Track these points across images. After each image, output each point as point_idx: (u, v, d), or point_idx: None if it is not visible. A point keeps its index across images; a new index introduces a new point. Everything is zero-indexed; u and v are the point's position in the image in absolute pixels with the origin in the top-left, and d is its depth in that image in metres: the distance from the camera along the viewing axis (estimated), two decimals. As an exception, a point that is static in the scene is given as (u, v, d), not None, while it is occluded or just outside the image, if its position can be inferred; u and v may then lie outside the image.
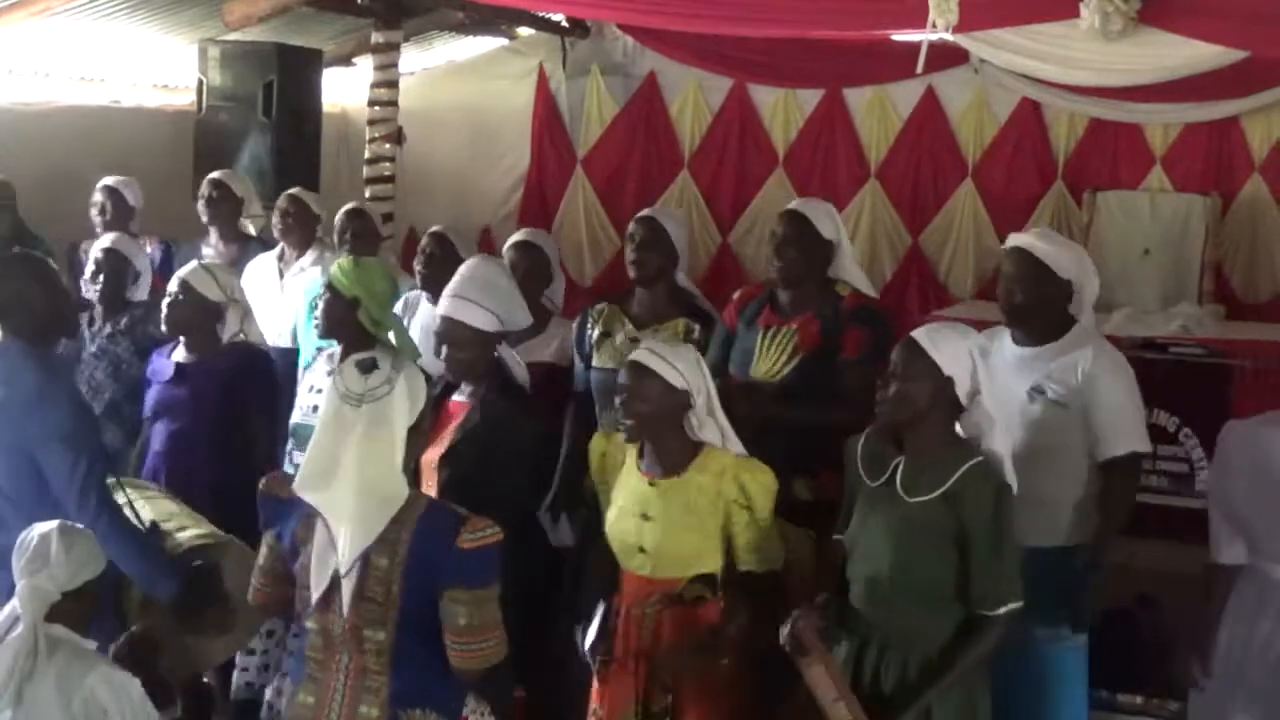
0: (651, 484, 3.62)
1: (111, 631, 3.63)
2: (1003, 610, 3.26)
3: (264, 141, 7.01)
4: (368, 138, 7.15)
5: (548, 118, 8.26)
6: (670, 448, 3.61)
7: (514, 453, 3.86)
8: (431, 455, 3.91)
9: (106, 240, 5.22)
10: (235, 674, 4.66)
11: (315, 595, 2.98)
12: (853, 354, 4.24)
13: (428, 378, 4.05)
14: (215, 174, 6.27)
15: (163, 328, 4.68)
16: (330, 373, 4.42)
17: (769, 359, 4.42)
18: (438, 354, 4.03)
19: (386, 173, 7.08)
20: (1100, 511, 3.95)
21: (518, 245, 5.26)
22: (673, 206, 7.99)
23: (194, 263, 4.75)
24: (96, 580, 3.30)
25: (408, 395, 3.00)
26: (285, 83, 7.00)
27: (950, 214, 7.70)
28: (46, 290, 3.98)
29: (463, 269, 4.23)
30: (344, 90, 8.23)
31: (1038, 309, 3.98)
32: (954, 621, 3.31)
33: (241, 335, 4.65)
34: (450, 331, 3.97)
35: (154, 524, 3.92)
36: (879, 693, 3.34)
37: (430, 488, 3.84)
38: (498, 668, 3.07)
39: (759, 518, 3.56)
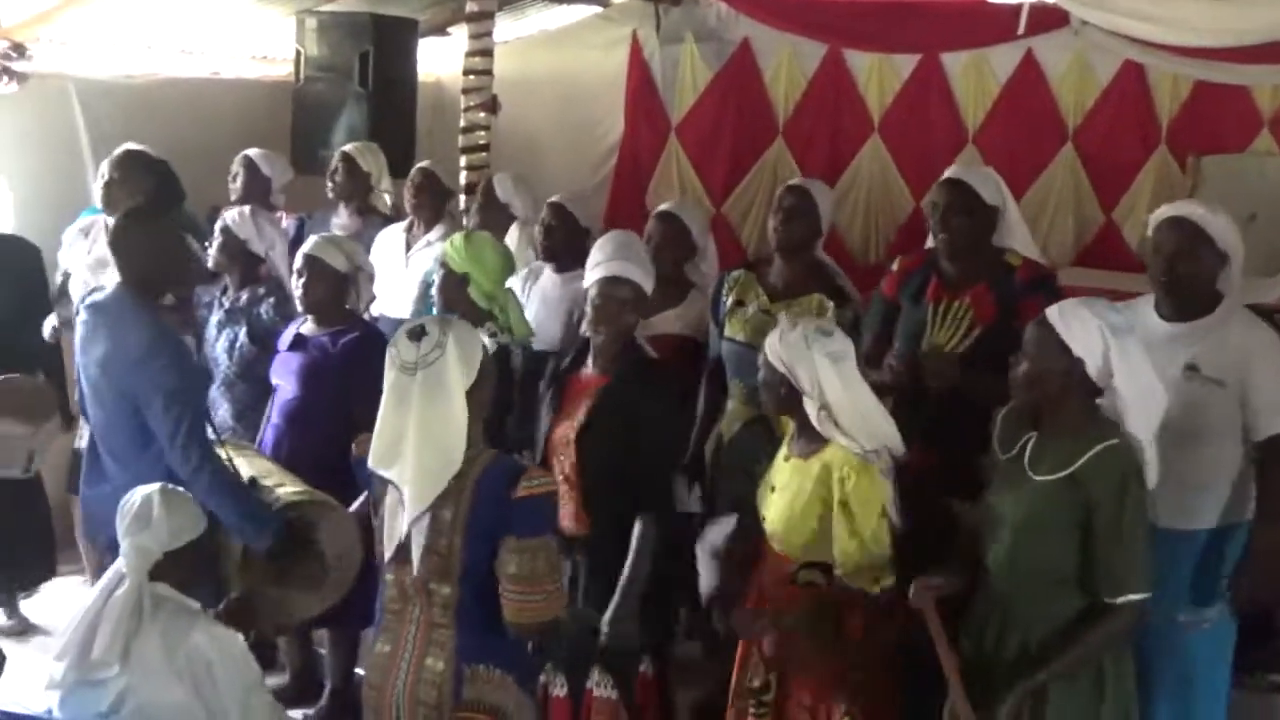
0: (787, 458, 3.65)
1: (211, 597, 3.71)
2: (1122, 600, 3.17)
3: (360, 112, 7.07)
4: (462, 106, 7.17)
5: (641, 85, 8.21)
6: (806, 429, 3.60)
7: (654, 419, 3.86)
8: (564, 432, 3.91)
9: (227, 217, 5.30)
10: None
11: (389, 551, 3.09)
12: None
13: (547, 353, 4.08)
14: (347, 147, 6.39)
15: (299, 308, 4.77)
16: None
17: (945, 333, 4.31)
18: (591, 322, 4.00)
19: (481, 141, 7.09)
20: (1263, 490, 3.83)
21: (657, 215, 5.32)
22: (766, 175, 7.97)
23: (314, 237, 4.82)
24: (198, 541, 3.38)
25: (461, 357, 3.04)
26: (381, 53, 7.05)
27: (1049, 180, 7.53)
28: (164, 248, 4.09)
29: (611, 236, 4.22)
30: (439, 60, 8.27)
31: (1197, 283, 3.85)
32: (1075, 606, 3.23)
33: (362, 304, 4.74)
34: (614, 291, 3.94)
35: (253, 479, 4.01)
36: (1000, 664, 3.30)
37: (561, 463, 3.87)
38: (547, 630, 3.11)
39: (858, 524, 3.48)
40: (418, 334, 3.07)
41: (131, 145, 5.80)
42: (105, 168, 5.67)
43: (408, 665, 3.11)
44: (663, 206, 5.41)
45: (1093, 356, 3.18)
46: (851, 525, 3.48)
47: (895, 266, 4.68)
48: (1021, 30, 7.28)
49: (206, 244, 5.32)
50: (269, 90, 7.65)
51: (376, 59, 7.02)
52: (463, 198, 6.95)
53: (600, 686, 3.49)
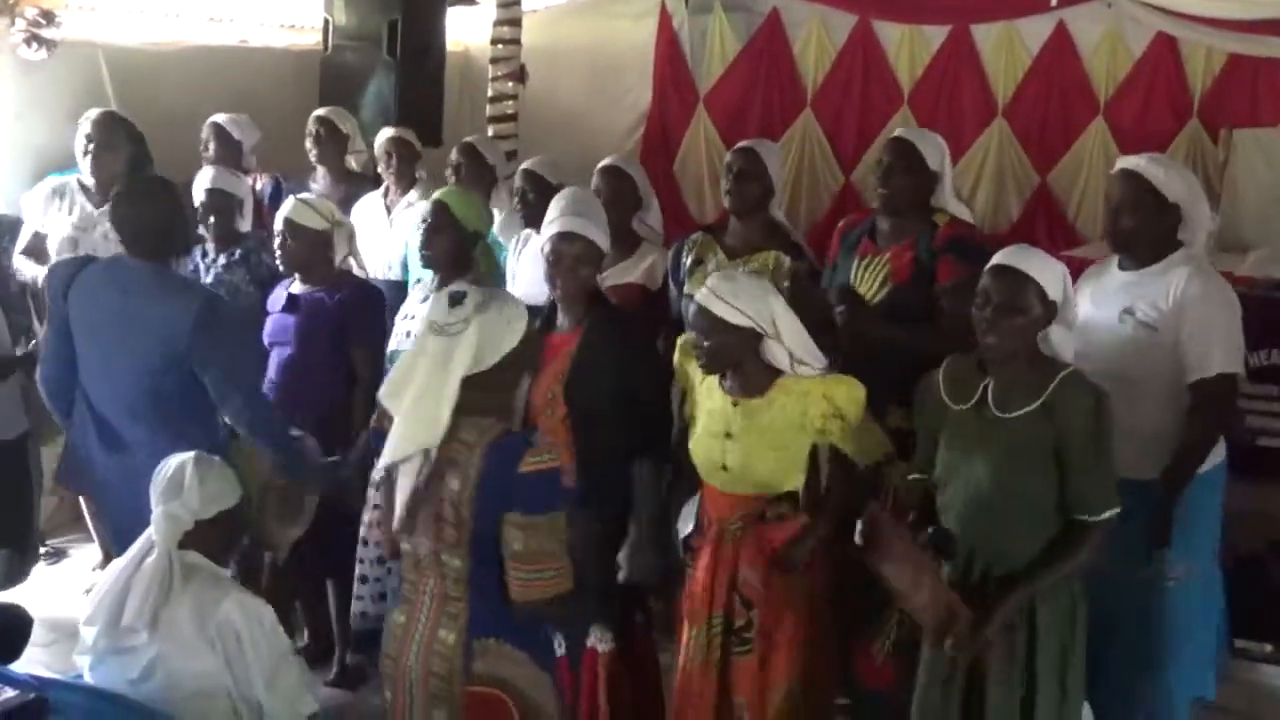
0: (735, 404, 3.68)
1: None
2: (1105, 515, 3.29)
3: (388, 80, 7.06)
4: (490, 76, 7.17)
5: (670, 55, 8.19)
6: (749, 372, 3.67)
7: (639, 363, 3.90)
8: (546, 389, 3.92)
9: (206, 179, 5.34)
10: (353, 604, 4.78)
11: (398, 520, 3.06)
12: (945, 281, 4.23)
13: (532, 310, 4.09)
14: (321, 111, 6.43)
15: (282, 268, 4.80)
16: (427, 299, 4.53)
17: (863, 288, 4.45)
18: (549, 278, 4.01)
19: (509, 111, 7.09)
20: (1183, 434, 3.87)
21: (602, 170, 5.33)
22: (795, 145, 7.94)
23: (290, 199, 4.85)
24: (231, 511, 3.38)
25: (474, 343, 3.00)
26: (409, 21, 7.03)
27: (1080, 153, 7.49)
28: (162, 209, 4.11)
29: (566, 193, 4.21)
30: (467, 29, 8.24)
31: (1144, 234, 3.93)
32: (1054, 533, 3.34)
33: (350, 261, 4.75)
34: (566, 248, 3.94)
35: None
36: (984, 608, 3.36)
37: (549, 419, 3.86)
38: (570, 599, 3.07)
39: (850, 422, 3.62)
40: (457, 299, 3.04)
41: (109, 108, 5.84)
42: (89, 130, 5.68)
43: (421, 636, 3.10)
44: (606, 161, 5.43)
45: (1067, 297, 3.33)
46: (845, 421, 3.61)
47: (840, 223, 4.86)
48: (1054, 2, 7.23)
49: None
50: (297, 59, 7.64)
51: (405, 27, 7.00)
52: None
53: (601, 641, 3.49)
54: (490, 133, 7.03)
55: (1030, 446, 3.30)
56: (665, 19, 8.15)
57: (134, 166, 5.86)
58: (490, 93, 7.13)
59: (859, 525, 3.39)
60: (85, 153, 5.74)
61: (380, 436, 3.21)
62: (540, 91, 7.71)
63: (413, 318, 4.56)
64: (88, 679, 3.30)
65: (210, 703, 3.21)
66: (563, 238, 3.96)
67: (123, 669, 3.20)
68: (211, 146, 6.40)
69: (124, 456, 4.04)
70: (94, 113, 5.86)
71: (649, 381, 3.91)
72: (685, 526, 3.80)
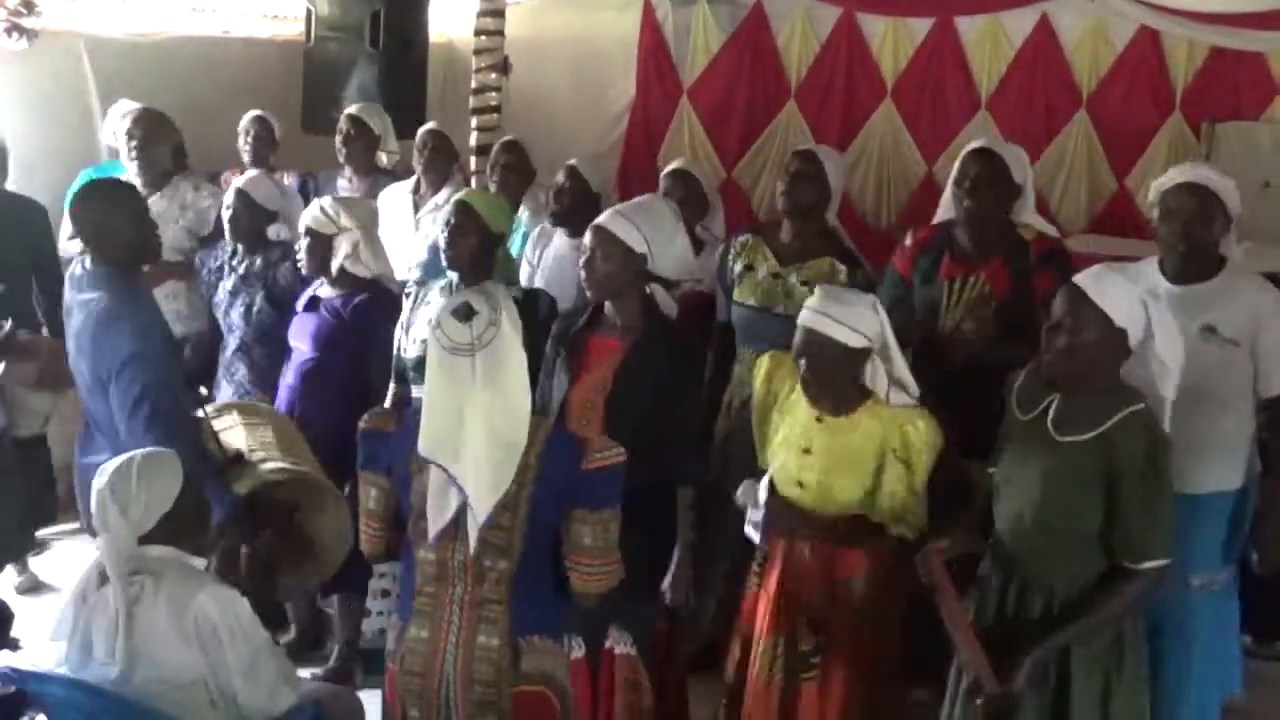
0: (819, 419, 3.61)
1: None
2: (1146, 565, 3.16)
3: (371, 71, 7.04)
4: (474, 67, 7.13)
5: (653, 47, 8.15)
6: (841, 390, 3.60)
7: (680, 384, 3.84)
8: (585, 395, 3.87)
9: (240, 181, 5.29)
10: (365, 621, 4.77)
11: (434, 530, 2.97)
12: (1045, 296, 4.15)
13: (563, 310, 4.05)
14: (353, 109, 6.37)
15: (303, 270, 4.79)
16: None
17: (960, 309, 4.34)
18: (583, 271, 3.96)
19: (492, 103, 7.05)
20: (1269, 451, 3.89)
21: (672, 174, 5.33)
22: (778, 139, 7.93)
23: (314, 204, 4.82)
24: (178, 503, 3.30)
25: (514, 331, 2.93)
26: (392, 12, 7.02)
27: (1063, 146, 7.49)
28: (129, 217, 4.06)
29: (639, 199, 4.17)
30: (451, 20, 8.22)
31: (1208, 246, 3.90)
32: (1097, 568, 3.23)
33: (360, 263, 4.71)
34: (595, 240, 3.88)
35: (238, 454, 3.96)
36: (1021, 628, 3.30)
37: (584, 427, 3.78)
38: (614, 596, 3.09)
39: (914, 476, 3.53)
40: (465, 313, 2.92)
41: (139, 104, 5.83)
42: (130, 127, 5.67)
43: (455, 646, 3.02)
44: (675, 164, 5.40)
45: (1134, 324, 3.15)
46: (907, 471, 3.53)
47: (908, 241, 4.69)
48: (1038, -8, 7.25)
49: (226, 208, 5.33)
50: (280, 49, 7.63)
51: (388, 18, 6.98)
52: (473, 159, 6.91)
53: (620, 644, 3.49)
54: (473, 124, 7.00)
55: (1079, 475, 3.19)
56: (649, 11, 8.11)
57: (176, 160, 5.86)
58: (474, 84, 7.09)
59: (918, 560, 3.36)
60: (130, 150, 5.73)
61: (374, 438, 3.16)
62: (524, 83, 7.68)
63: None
64: (70, 675, 3.27)
65: (188, 695, 3.18)
66: (593, 231, 3.91)
67: (103, 671, 3.18)
68: (252, 139, 6.36)
69: (92, 460, 4.02)
70: (130, 108, 5.87)
71: (690, 407, 3.87)
72: (756, 500, 3.71)
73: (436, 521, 2.98)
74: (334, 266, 4.71)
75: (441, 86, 7.99)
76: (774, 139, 7.91)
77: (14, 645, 4.51)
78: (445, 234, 4.46)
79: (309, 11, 7.19)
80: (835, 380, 3.60)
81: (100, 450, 3.93)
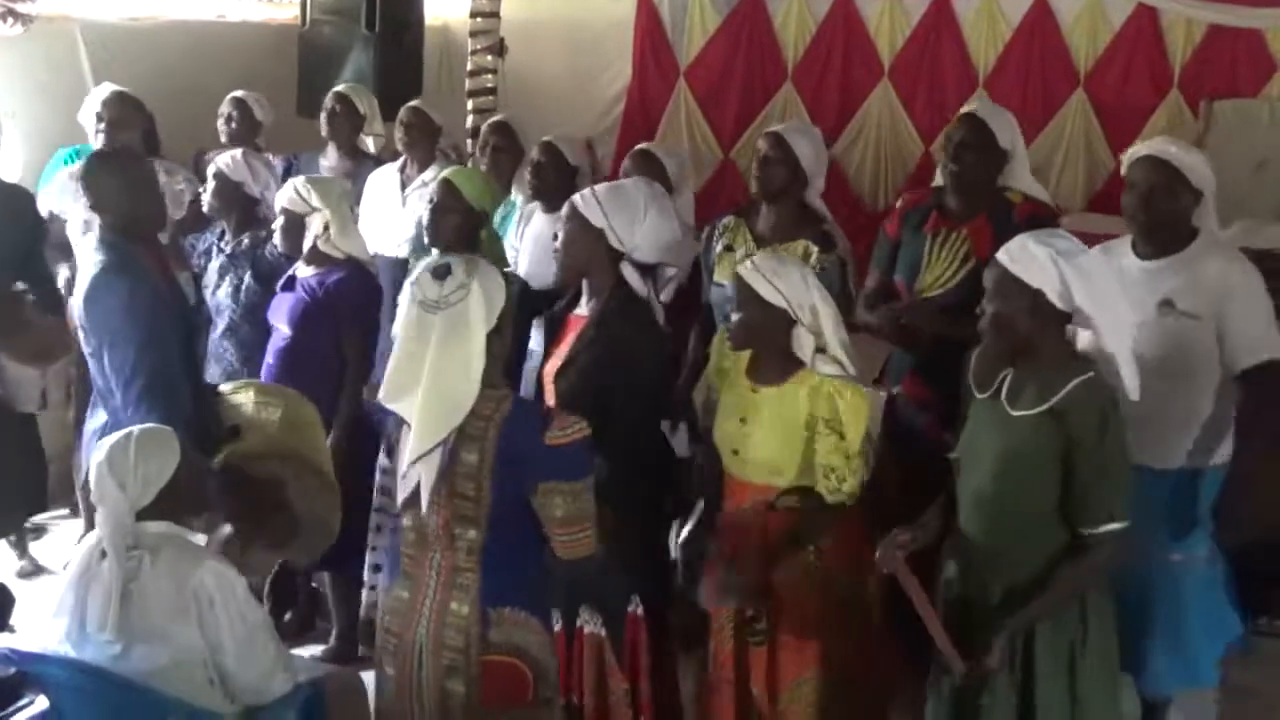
0: (753, 390, 3.67)
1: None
2: (1102, 530, 3.19)
3: (366, 55, 7.01)
4: (470, 49, 7.12)
5: (650, 29, 8.16)
6: (772, 360, 3.65)
7: (633, 365, 3.80)
8: (550, 367, 3.90)
9: (219, 161, 5.28)
10: (364, 593, 4.77)
11: (402, 494, 3.06)
12: None
13: (539, 292, 4.06)
14: (341, 88, 6.37)
15: (280, 250, 4.80)
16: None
17: (939, 265, 4.39)
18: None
19: (489, 85, 7.05)
20: (1240, 424, 3.85)
21: (634, 154, 5.31)
22: (775, 119, 7.88)
23: (289, 184, 4.82)
24: (175, 476, 3.31)
25: (484, 300, 3.00)
26: (387, -5, 6.99)
27: (1060, 125, 7.49)
28: (137, 187, 4.08)
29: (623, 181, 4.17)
30: (447, 4, 8.20)
31: (1174, 220, 3.87)
32: (1058, 543, 3.24)
33: (330, 242, 4.71)
34: (563, 220, 3.91)
35: (235, 428, 4.00)
36: (984, 611, 3.31)
37: (550, 400, 3.83)
38: (592, 562, 3.11)
39: (849, 445, 3.56)
40: (443, 272, 3.01)
41: (118, 87, 5.82)
42: (100, 109, 5.66)
43: (430, 610, 3.09)
44: (641, 146, 5.42)
45: (1050, 283, 3.17)
46: (839, 440, 3.55)
47: (899, 202, 4.77)
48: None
49: (201, 189, 5.32)
50: (275, 33, 7.61)
51: (383, 1, 6.96)
52: (470, 142, 6.90)
53: (590, 624, 3.51)
54: (469, 106, 7.00)
55: (1033, 448, 3.22)
56: (645, -7, 8.12)
57: (148, 144, 5.86)
58: (469, 66, 7.09)
59: (879, 552, 3.41)
60: (98, 132, 5.73)
61: (377, 405, 3.20)
62: (521, 66, 7.68)
63: None
64: (71, 655, 3.27)
65: (187, 674, 3.19)
66: (564, 211, 3.92)
67: (104, 648, 3.18)
68: (234, 121, 6.35)
69: (95, 426, 4.06)
70: (104, 91, 5.85)
71: (633, 383, 3.79)
72: (678, 536, 3.80)
73: (404, 486, 3.06)
74: (305, 245, 4.72)
75: (438, 70, 7.98)
76: (771, 119, 7.85)
77: (12, 630, 4.50)
78: (428, 211, 4.48)
79: (304, -5, 7.17)
80: (758, 339, 3.64)
81: (97, 415, 3.95)
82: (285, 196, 4.76)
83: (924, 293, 4.48)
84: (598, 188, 3.95)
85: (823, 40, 7.93)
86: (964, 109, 4.64)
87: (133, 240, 4.11)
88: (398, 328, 3.08)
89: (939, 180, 4.64)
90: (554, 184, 5.29)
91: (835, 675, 3.70)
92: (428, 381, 2.97)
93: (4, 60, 6.23)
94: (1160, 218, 3.88)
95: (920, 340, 4.39)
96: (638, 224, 3.85)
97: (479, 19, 7.11)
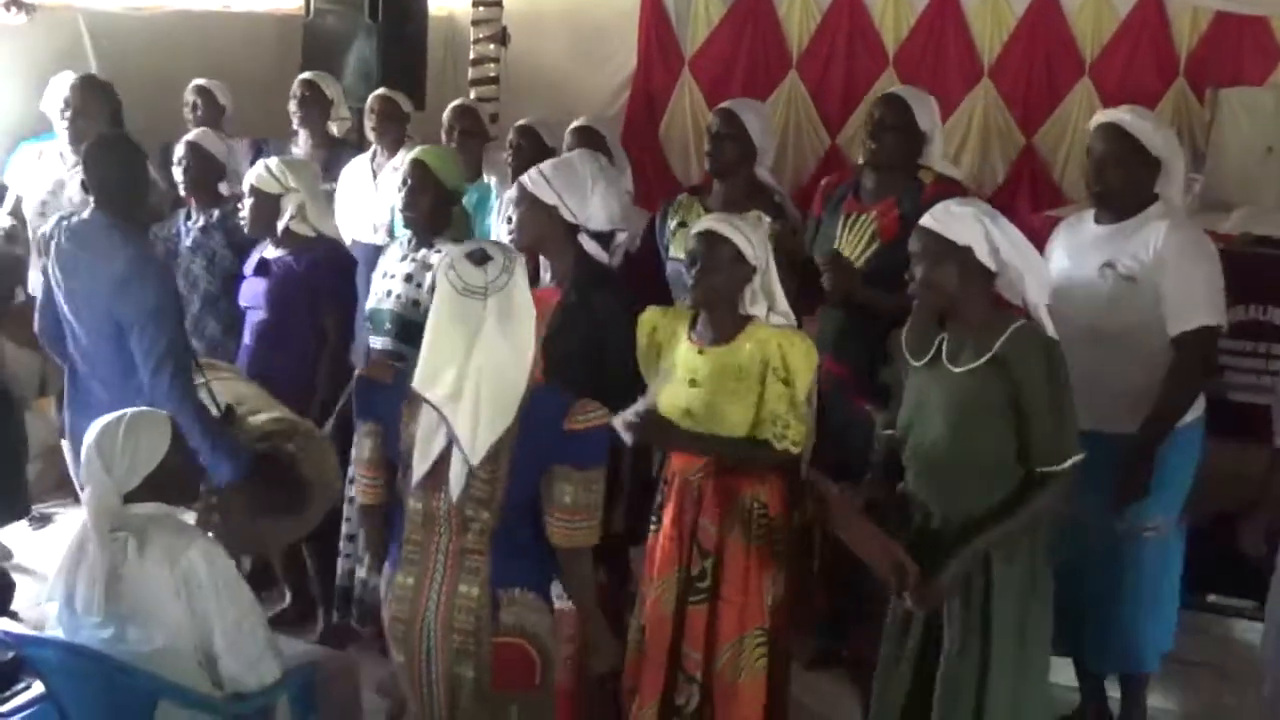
0: (700, 352, 3.71)
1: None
2: (1067, 464, 3.28)
3: (370, 44, 7.04)
4: (472, 38, 7.13)
5: (654, 18, 8.14)
6: (723, 318, 3.70)
7: (616, 341, 3.86)
8: None
9: (190, 135, 5.32)
10: (340, 561, 4.78)
11: (418, 475, 3.02)
12: None
13: None
14: (307, 74, 6.39)
15: (246, 230, 4.81)
16: (405, 258, 4.51)
17: (848, 246, 4.47)
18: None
19: (491, 74, 7.06)
20: (1163, 385, 3.88)
21: (574, 130, 5.33)
22: (780, 107, 7.90)
23: (259, 163, 4.83)
24: (164, 462, 3.30)
25: (525, 284, 3.00)
26: (390, -15, 6.99)
27: (1066, 114, 7.46)
28: (136, 172, 4.10)
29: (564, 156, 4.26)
30: (452, -6, 8.22)
31: (1127, 188, 3.93)
32: (1013, 488, 3.35)
33: (305, 224, 4.72)
34: (517, 204, 4.02)
35: (229, 407, 4.02)
36: (945, 546, 3.38)
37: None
38: (589, 552, 3.11)
39: (795, 393, 3.62)
40: (481, 257, 2.97)
41: (86, 72, 5.84)
42: (67, 94, 5.67)
43: (438, 594, 3.06)
44: (577, 121, 5.52)
45: (978, 240, 3.27)
46: (788, 389, 3.61)
47: (824, 182, 4.87)
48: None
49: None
50: (279, 23, 7.61)
51: (386, -9, 6.97)
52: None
53: (561, 599, 3.51)
54: (472, 95, 7.01)
55: (982, 401, 3.29)
56: (650, -18, 8.11)
57: (114, 126, 5.85)
58: (472, 55, 7.10)
59: (807, 501, 3.51)
60: (62, 117, 5.73)
61: (367, 385, 3.19)
62: (524, 55, 7.68)
63: (392, 276, 4.54)
64: (65, 638, 3.28)
65: (178, 657, 3.19)
66: (516, 187, 4.06)
67: (97, 630, 3.19)
68: (199, 108, 6.38)
69: (91, 416, 4.03)
70: (69, 77, 5.85)
71: (621, 346, 3.87)
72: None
73: (421, 466, 3.02)
74: (279, 226, 4.72)
75: (443, 61, 7.98)
76: (775, 109, 7.85)
77: (14, 616, 4.52)
78: (402, 193, 4.49)
79: (307, -15, 7.17)
80: (721, 293, 3.66)
81: (95, 406, 3.91)
82: (256, 175, 4.72)
83: None
84: (543, 165, 4.05)
85: (827, 30, 7.91)
86: (885, 91, 4.75)
87: (134, 223, 4.13)
88: (435, 315, 3.01)
89: (860, 159, 4.70)
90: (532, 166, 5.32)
91: (774, 631, 3.74)
92: (486, 371, 2.93)
93: (7, 50, 6.25)
94: (1112, 184, 3.94)
95: (831, 302, 4.47)
96: (588, 195, 3.98)
97: (481, 8, 7.13)
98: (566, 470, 2.98)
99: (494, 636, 3.05)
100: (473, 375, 2.93)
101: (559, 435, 2.96)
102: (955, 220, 3.29)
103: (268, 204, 4.71)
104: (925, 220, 3.35)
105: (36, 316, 4.38)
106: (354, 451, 3.29)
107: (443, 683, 3.10)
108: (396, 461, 3.13)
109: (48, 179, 5.78)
